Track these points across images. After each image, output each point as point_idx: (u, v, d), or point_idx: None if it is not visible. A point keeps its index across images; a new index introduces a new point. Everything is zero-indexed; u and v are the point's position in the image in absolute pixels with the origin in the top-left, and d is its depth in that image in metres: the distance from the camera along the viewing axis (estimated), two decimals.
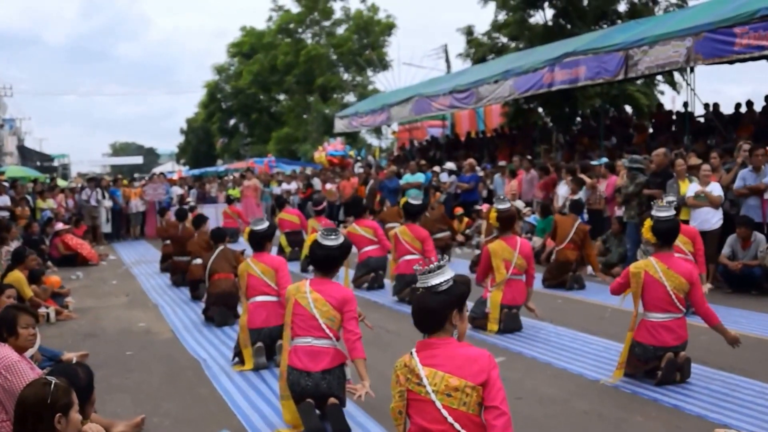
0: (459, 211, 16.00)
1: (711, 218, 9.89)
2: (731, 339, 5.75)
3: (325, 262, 4.87)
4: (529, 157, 16.96)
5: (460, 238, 15.16)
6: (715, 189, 9.88)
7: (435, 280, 3.09)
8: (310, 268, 9.88)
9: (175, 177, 29.16)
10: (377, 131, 39.30)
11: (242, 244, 15.19)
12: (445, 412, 3.01)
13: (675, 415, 5.17)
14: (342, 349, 4.87)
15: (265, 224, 6.78)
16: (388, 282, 10.67)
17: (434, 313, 3.11)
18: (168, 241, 12.85)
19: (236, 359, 6.68)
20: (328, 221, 13.34)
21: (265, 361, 6.52)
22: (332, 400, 4.83)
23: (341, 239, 4.88)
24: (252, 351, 6.51)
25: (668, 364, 5.76)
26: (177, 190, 23.11)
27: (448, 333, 3.11)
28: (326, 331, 4.80)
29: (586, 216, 12.14)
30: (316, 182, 22.48)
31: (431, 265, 3.12)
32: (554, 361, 6.68)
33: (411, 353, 3.12)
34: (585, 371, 6.30)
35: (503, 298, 7.74)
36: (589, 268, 11.72)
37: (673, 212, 5.98)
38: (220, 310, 8.50)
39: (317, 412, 4.82)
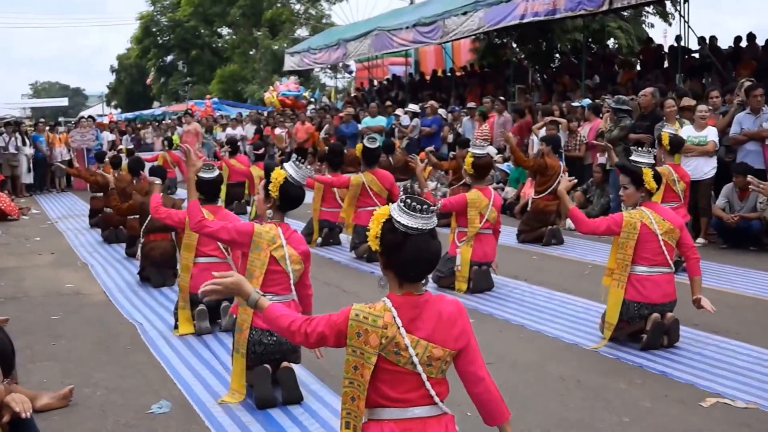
0: (424, 157, 15.91)
1: (704, 167, 9.95)
2: (696, 302, 5.78)
3: (297, 202, 4.90)
4: (501, 98, 16.92)
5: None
6: (711, 134, 9.93)
7: (434, 222, 2.99)
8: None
9: (105, 121, 28.56)
10: (333, 70, 38.84)
11: (180, 197, 14.95)
12: (428, 385, 2.96)
13: (662, 382, 5.21)
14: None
15: (216, 171, 6.66)
16: (344, 237, 10.62)
17: (436, 261, 3.02)
18: (100, 194, 12.62)
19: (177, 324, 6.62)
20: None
21: (208, 326, 6.48)
22: (285, 364, 4.88)
23: (309, 171, 4.92)
24: (194, 314, 6.45)
25: (654, 326, 5.80)
26: (108, 136, 22.70)
27: (421, 284, 3.03)
28: (292, 287, 4.87)
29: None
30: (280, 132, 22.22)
31: (435, 203, 3.00)
32: (528, 323, 6.70)
33: (393, 315, 2.94)
34: (562, 334, 6.34)
35: (473, 254, 7.74)
36: (569, 222, 11.79)
37: (653, 159, 6.00)
38: (157, 269, 8.38)
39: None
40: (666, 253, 5.84)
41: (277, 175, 4.84)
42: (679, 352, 5.80)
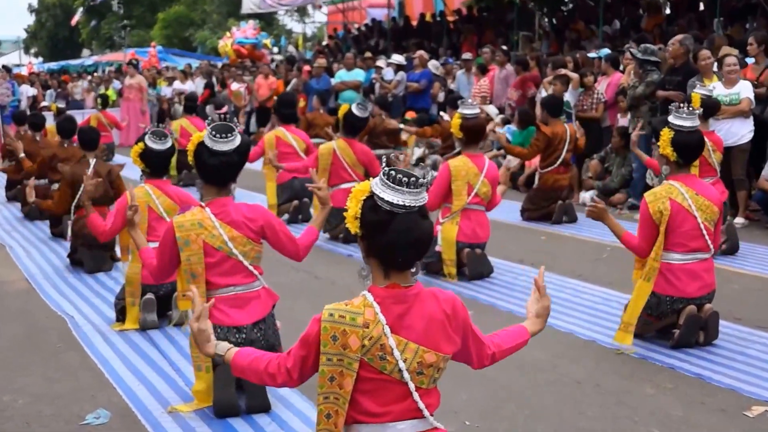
0: (412, 116, 15.90)
1: (739, 129, 9.94)
2: None
3: (219, 173, 4.76)
4: (504, 47, 16.87)
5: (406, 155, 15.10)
6: (744, 90, 9.93)
7: (424, 198, 2.95)
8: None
9: (23, 72, 28.27)
10: (300, 12, 38.62)
11: (119, 162, 14.82)
12: (416, 396, 2.94)
13: (697, 387, 5.23)
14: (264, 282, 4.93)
15: (168, 142, 6.59)
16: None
17: (428, 244, 3.00)
18: (14, 162, 12.48)
19: (119, 317, 6.61)
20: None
21: (155, 319, 6.46)
22: None
23: (237, 139, 4.74)
24: (139, 305, 6.41)
25: (689, 320, 5.81)
26: (28, 91, 22.44)
27: (410, 274, 3.00)
28: (253, 271, 4.83)
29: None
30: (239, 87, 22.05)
31: (424, 176, 2.96)
32: None
33: (375, 312, 2.89)
34: (577, 329, 6.35)
35: (461, 233, 7.71)
36: (582, 195, 11.81)
37: (698, 122, 5.93)
38: (92, 251, 8.31)
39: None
40: (707, 238, 5.83)
41: (195, 138, 4.77)
42: (718, 352, 5.81)
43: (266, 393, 4.88)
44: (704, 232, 5.81)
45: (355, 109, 9.64)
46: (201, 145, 4.71)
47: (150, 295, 6.43)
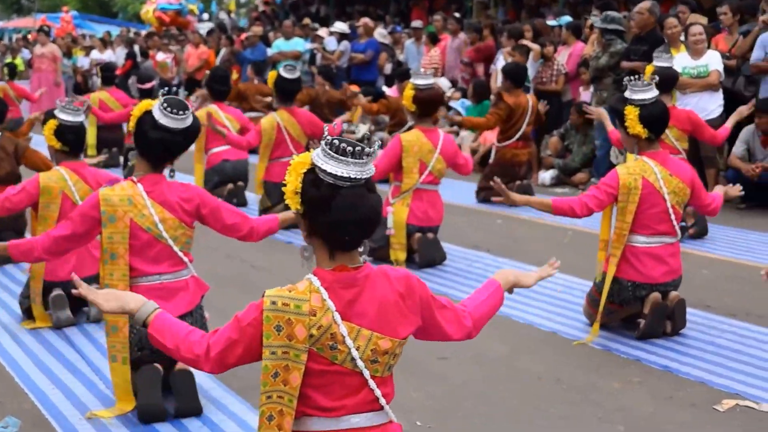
0: (355, 89, 15.83)
1: (707, 104, 10.06)
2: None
3: (159, 149, 4.72)
4: (456, 15, 16.89)
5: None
6: (713, 61, 10.03)
7: (371, 169, 2.91)
8: None
9: None
10: None
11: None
12: (373, 385, 2.92)
13: (665, 380, 5.29)
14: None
15: (81, 115, 6.46)
16: (252, 197, 10.53)
17: (376, 220, 2.97)
18: None
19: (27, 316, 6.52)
20: None
21: (69, 316, 6.36)
22: (181, 365, 4.80)
23: (188, 120, 4.69)
24: (48, 301, 6.32)
25: (654, 309, 5.87)
26: None
27: (358, 254, 2.97)
28: (183, 258, 4.79)
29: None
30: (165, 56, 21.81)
31: (371, 145, 2.91)
32: None
33: (322, 298, 2.84)
34: (538, 320, 6.40)
35: (412, 215, 7.71)
36: (542, 175, 11.88)
37: (656, 91, 5.98)
38: None
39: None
40: (673, 218, 5.90)
41: (143, 106, 4.71)
42: (686, 342, 5.89)
43: (197, 395, 4.83)
44: (672, 216, 5.88)
45: (283, 72, 9.58)
46: (147, 114, 4.66)
47: (58, 291, 6.28)
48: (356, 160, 2.80)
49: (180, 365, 4.79)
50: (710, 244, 8.60)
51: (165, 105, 4.61)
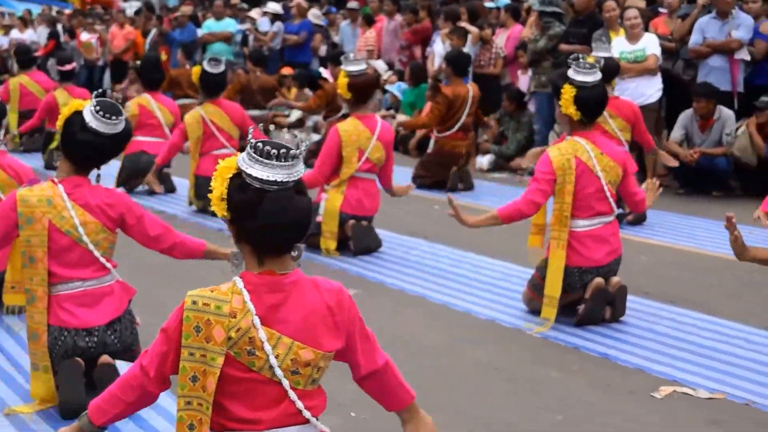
0: (290, 72, 15.77)
1: (645, 88, 10.16)
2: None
3: (85, 153, 4.61)
4: None
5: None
6: (650, 45, 10.12)
7: (299, 171, 2.88)
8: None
9: None
10: None
11: None
12: (294, 396, 2.87)
13: (604, 368, 5.34)
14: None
15: None
16: (183, 182, 10.41)
17: (306, 224, 2.93)
18: None
19: None
20: (83, 91, 12.72)
21: None
22: (105, 359, 4.74)
23: (120, 125, 4.60)
24: None
25: (595, 294, 5.92)
26: None
27: (289, 260, 2.94)
28: (105, 263, 4.68)
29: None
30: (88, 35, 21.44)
31: (297, 146, 2.87)
32: (430, 294, 6.76)
33: (244, 300, 2.81)
34: (475, 308, 6.41)
35: (346, 203, 7.69)
36: (479, 160, 11.91)
37: (599, 75, 6.02)
38: None
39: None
40: (609, 196, 5.96)
41: (74, 105, 4.61)
42: (625, 329, 5.95)
43: None
44: (608, 194, 5.94)
45: (206, 66, 9.46)
46: (77, 115, 4.55)
47: None
48: (282, 163, 2.77)
49: (104, 359, 4.73)
50: (649, 230, 8.70)
51: (97, 108, 4.51)
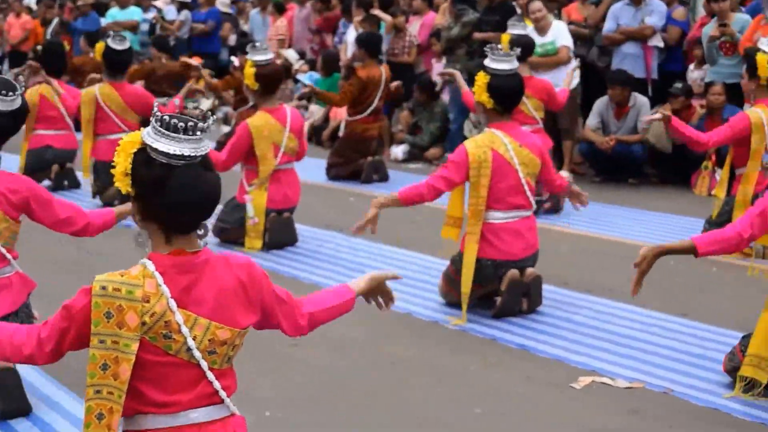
0: (198, 61, 15.59)
1: (561, 79, 10.26)
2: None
3: None
4: None
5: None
6: (561, 36, 10.22)
7: (206, 146, 2.82)
8: None
9: None
10: None
11: None
12: (211, 377, 2.85)
13: (522, 359, 5.38)
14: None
15: None
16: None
17: (215, 200, 2.89)
18: None
19: None
20: None
21: None
22: (3, 363, 4.58)
23: (18, 101, 4.52)
24: None
25: (511, 286, 5.96)
26: None
27: (196, 238, 2.90)
28: (6, 254, 4.59)
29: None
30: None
31: (204, 119, 2.82)
32: None
33: (157, 283, 2.76)
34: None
35: (270, 198, 7.66)
36: (393, 150, 11.93)
37: (516, 64, 6.06)
38: None
39: None
40: (527, 191, 5.99)
41: None
42: (543, 320, 6.01)
43: (24, 393, 4.66)
44: (526, 187, 5.97)
45: (111, 42, 9.33)
46: None
47: None
48: (189, 137, 2.71)
49: (1, 363, 4.60)
50: (565, 218, 8.78)
51: None
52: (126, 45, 9.45)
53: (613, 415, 4.64)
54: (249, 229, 7.69)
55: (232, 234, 7.78)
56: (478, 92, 5.95)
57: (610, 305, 6.28)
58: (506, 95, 5.97)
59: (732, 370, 4.80)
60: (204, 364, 2.82)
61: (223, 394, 2.88)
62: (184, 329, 2.77)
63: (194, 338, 2.79)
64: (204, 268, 2.85)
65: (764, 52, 6.93)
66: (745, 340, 4.75)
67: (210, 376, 2.84)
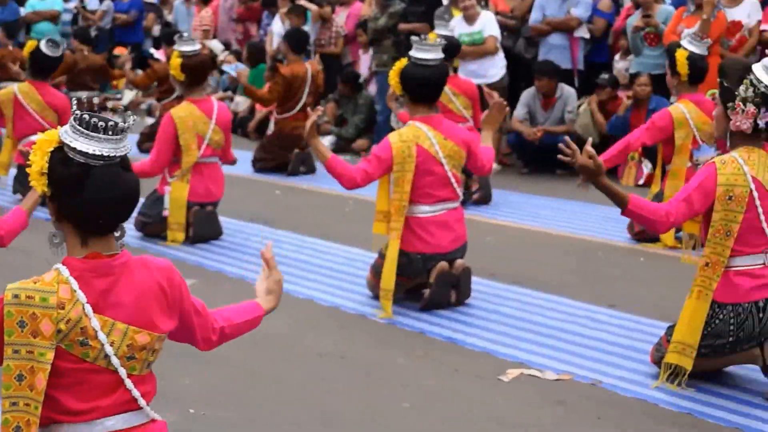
0: (122, 52, 15.41)
1: (487, 69, 10.30)
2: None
3: None
4: None
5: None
6: (488, 26, 10.26)
7: (126, 147, 2.76)
8: None
9: None
10: None
11: None
12: (130, 384, 2.79)
13: (450, 352, 5.38)
14: None
15: None
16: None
17: (134, 201, 2.83)
18: None
19: None
20: None
21: None
22: None
23: None
24: None
25: (440, 278, 5.95)
26: None
27: (114, 240, 2.83)
28: None
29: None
30: None
31: (125, 120, 2.76)
32: None
33: (72, 289, 2.69)
34: (318, 294, 6.41)
35: (192, 191, 7.58)
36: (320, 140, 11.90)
37: (441, 55, 6.04)
38: None
39: None
40: (455, 185, 5.99)
41: None
42: (470, 312, 6.02)
43: None
44: (452, 180, 5.97)
45: (44, 47, 9.14)
46: None
47: None
48: (110, 137, 2.66)
49: None
50: (494, 210, 8.83)
51: None
52: (58, 53, 9.26)
53: (538, 407, 4.65)
54: (170, 222, 7.61)
55: (154, 227, 7.70)
56: (392, 81, 5.96)
57: (538, 296, 6.31)
58: (422, 85, 5.93)
59: (659, 360, 4.83)
60: (122, 372, 2.77)
61: (142, 401, 2.83)
62: (101, 335, 2.71)
63: (112, 344, 2.73)
64: (122, 270, 2.79)
65: (684, 48, 7.05)
66: (671, 330, 4.79)
67: (128, 383, 2.79)
